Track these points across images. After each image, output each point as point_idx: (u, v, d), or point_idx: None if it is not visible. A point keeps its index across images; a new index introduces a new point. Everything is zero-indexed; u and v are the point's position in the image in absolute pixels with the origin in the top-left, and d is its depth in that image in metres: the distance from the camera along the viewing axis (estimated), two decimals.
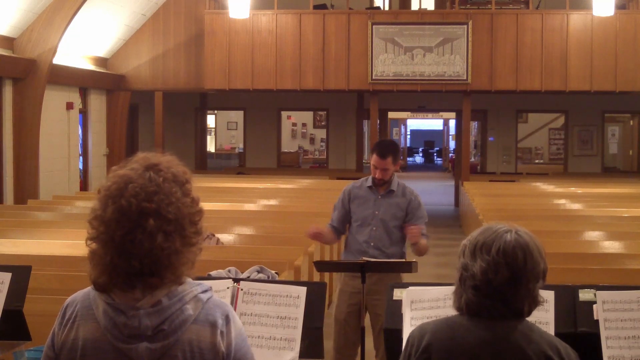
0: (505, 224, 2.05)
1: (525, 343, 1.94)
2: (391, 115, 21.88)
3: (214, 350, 1.74)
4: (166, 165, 1.79)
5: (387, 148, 4.69)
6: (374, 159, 4.66)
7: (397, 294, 3.07)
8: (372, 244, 4.67)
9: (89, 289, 1.81)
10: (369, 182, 4.77)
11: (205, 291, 1.79)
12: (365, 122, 18.08)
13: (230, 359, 1.77)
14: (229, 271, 4.12)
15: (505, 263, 1.96)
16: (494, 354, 1.95)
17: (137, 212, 1.70)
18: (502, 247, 1.98)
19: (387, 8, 16.50)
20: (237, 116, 22.55)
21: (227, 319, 1.78)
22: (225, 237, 6.78)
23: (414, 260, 4.15)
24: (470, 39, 13.22)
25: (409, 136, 33.59)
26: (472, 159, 20.08)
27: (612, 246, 6.64)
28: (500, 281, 1.96)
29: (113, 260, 1.70)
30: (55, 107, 11.95)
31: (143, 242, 1.69)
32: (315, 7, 14.00)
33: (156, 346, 1.71)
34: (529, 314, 2.02)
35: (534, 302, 2.01)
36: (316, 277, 6.36)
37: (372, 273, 4.32)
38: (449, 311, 2.97)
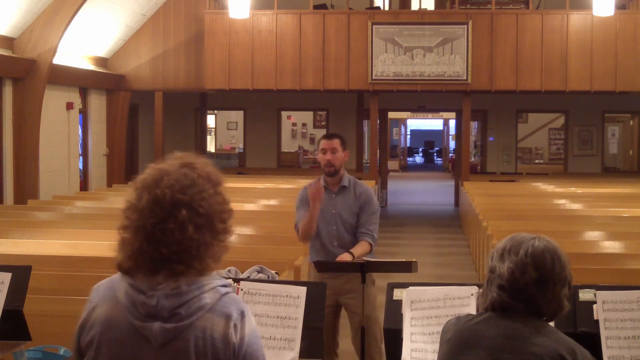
0: (531, 234, 2.10)
1: (539, 343, 1.95)
2: (391, 115, 21.84)
3: (226, 341, 1.78)
4: (201, 165, 1.87)
5: (333, 134, 4.84)
6: (322, 143, 4.72)
7: (397, 294, 3.07)
8: (335, 243, 4.66)
9: (115, 275, 1.88)
10: (322, 182, 4.78)
11: (224, 285, 1.85)
12: (365, 122, 18.07)
13: (242, 351, 1.80)
14: (229, 271, 4.11)
15: (533, 264, 2.00)
16: (509, 352, 1.97)
17: (170, 202, 1.77)
18: (531, 250, 2.02)
19: (387, 8, 16.49)
20: (237, 116, 22.51)
21: (242, 314, 1.82)
22: None
23: (414, 260, 4.16)
24: (470, 39, 13.21)
25: (409, 136, 33.55)
26: (472, 159, 20.05)
27: (612, 246, 6.63)
28: (527, 281, 1.99)
29: (142, 246, 1.77)
30: (55, 107, 11.95)
31: (174, 232, 1.76)
32: (315, 7, 13.99)
33: (170, 326, 1.75)
34: (553, 317, 2.04)
35: (560, 307, 2.03)
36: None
37: (341, 274, 4.42)
38: (449, 311, 2.97)
